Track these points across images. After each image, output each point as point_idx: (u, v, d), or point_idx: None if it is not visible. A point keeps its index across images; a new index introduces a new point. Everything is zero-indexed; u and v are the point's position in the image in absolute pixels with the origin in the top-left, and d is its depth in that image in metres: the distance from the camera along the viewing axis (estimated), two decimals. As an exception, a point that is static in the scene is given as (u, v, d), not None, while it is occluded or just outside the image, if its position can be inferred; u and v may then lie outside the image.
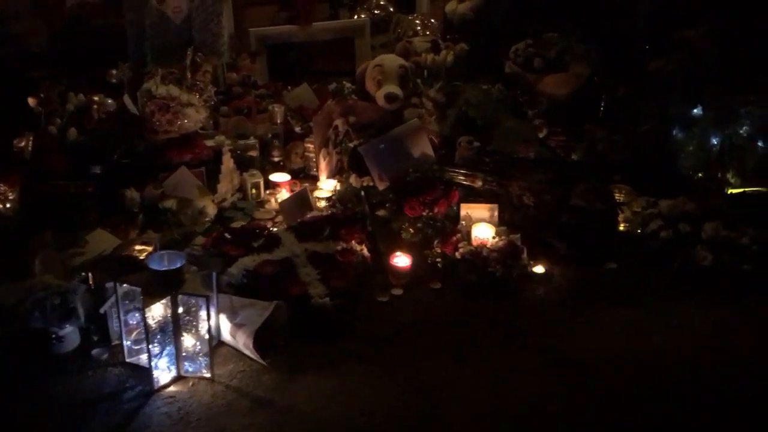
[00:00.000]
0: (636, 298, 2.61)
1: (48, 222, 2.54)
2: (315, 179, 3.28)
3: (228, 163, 3.11)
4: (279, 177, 3.18)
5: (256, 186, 3.17)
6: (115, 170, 2.96)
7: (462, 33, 3.77)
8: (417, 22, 3.95)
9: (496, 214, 2.81)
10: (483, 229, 2.70)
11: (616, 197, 3.09)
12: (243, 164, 3.24)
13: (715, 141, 3.43)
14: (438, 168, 2.85)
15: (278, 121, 3.39)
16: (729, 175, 3.40)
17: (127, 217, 2.85)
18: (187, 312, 2.08)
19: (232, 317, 2.22)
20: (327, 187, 3.15)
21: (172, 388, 2.09)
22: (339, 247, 2.58)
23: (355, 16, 4.01)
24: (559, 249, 2.81)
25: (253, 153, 3.25)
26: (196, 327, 2.11)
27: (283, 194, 3.11)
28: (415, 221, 2.72)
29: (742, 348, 2.33)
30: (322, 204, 3.05)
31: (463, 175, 2.87)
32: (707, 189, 3.07)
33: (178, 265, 2.02)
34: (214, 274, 2.18)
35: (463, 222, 2.77)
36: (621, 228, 3.03)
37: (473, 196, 2.87)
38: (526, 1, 3.80)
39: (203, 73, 3.15)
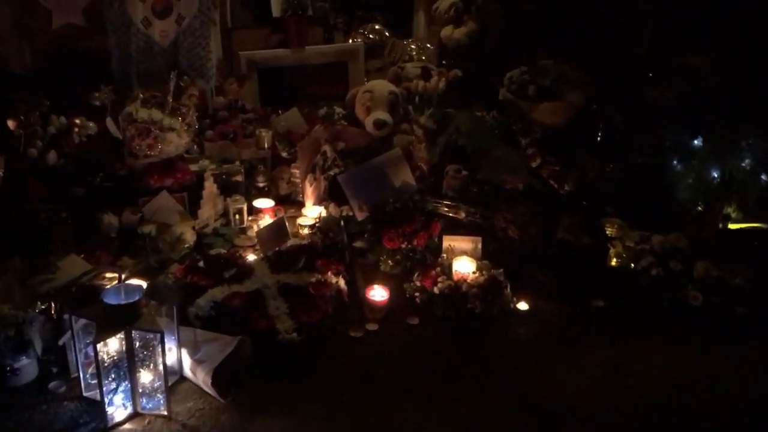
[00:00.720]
0: (621, 339, 2.51)
1: (17, 247, 2.49)
2: (301, 205, 3.22)
3: (210, 188, 3.06)
4: (263, 203, 3.11)
5: (240, 212, 3.10)
6: (93, 194, 2.92)
7: (457, 59, 3.71)
8: (412, 47, 3.90)
9: (479, 246, 2.72)
10: (464, 263, 2.61)
11: (607, 231, 3.00)
12: (228, 189, 3.19)
13: (715, 174, 3.34)
14: (420, 198, 2.77)
15: (265, 146, 3.34)
16: (730, 210, 3.30)
17: (102, 243, 2.80)
18: (144, 347, 2.01)
19: (193, 352, 2.15)
20: (311, 214, 3.08)
21: (127, 426, 2.02)
22: (313, 279, 2.50)
23: (350, 40, 3.96)
24: (545, 284, 2.72)
25: (238, 178, 3.19)
26: (155, 362, 2.04)
27: (266, 220, 3.05)
28: (393, 253, 2.64)
29: (730, 398, 2.22)
30: (305, 231, 2.98)
31: (446, 205, 2.78)
32: (701, 224, 2.96)
33: (134, 299, 1.96)
34: (174, 307, 2.11)
35: (445, 255, 2.68)
36: (613, 263, 2.94)
37: (457, 227, 2.79)
38: (522, 28, 3.74)
39: (189, 96, 3.11)
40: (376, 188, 2.72)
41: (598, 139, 3.52)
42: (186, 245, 2.88)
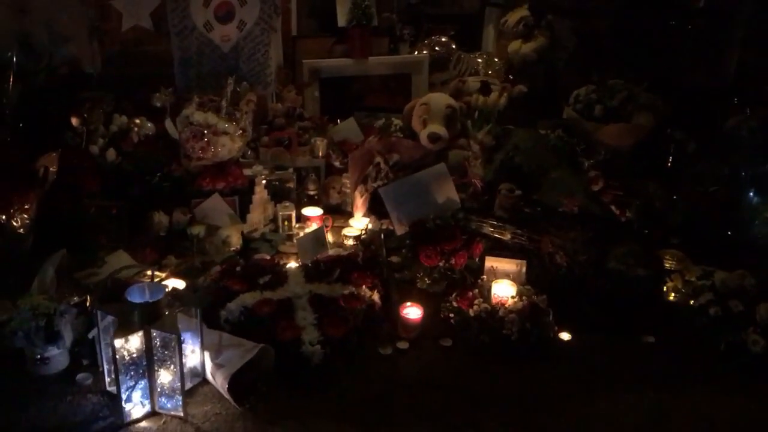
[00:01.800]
0: (669, 381, 2.32)
1: (65, 240, 2.57)
2: (350, 216, 3.19)
3: (261, 193, 3.08)
4: (311, 211, 3.11)
5: (288, 218, 3.11)
6: (148, 193, 3.00)
7: (523, 74, 3.60)
8: (479, 60, 3.81)
9: (523, 270, 2.60)
10: (503, 286, 2.50)
11: (666, 264, 2.81)
12: (279, 196, 3.20)
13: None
14: (463, 216, 2.68)
15: (320, 155, 3.33)
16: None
17: (151, 241, 2.87)
18: (165, 347, 2.02)
19: (215, 356, 2.15)
20: (358, 225, 3.05)
21: (143, 424, 2.03)
22: (346, 292, 2.46)
23: (416, 52, 3.92)
24: (592, 315, 2.57)
25: (290, 185, 3.20)
26: (174, 363, 2.04)
27: (312, 229, 3.04)
28: (431, 271, 2.56)
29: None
30: (350, 242, 2.96)
31: (490, 225, 2.68)
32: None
33: (156, 299, 1.97)
34: (198, 310, 2.12)
35: (484, 277, 2.58)
36: (670, 298, 2.75)
37: (502, 248, 2.68)
38: (594, 46, 3.59)
39: (246, 102, 3.15)
40: (417, 203, 2.65)
41: (668, 165, 3.33)
42: (232, 248, 2.92)
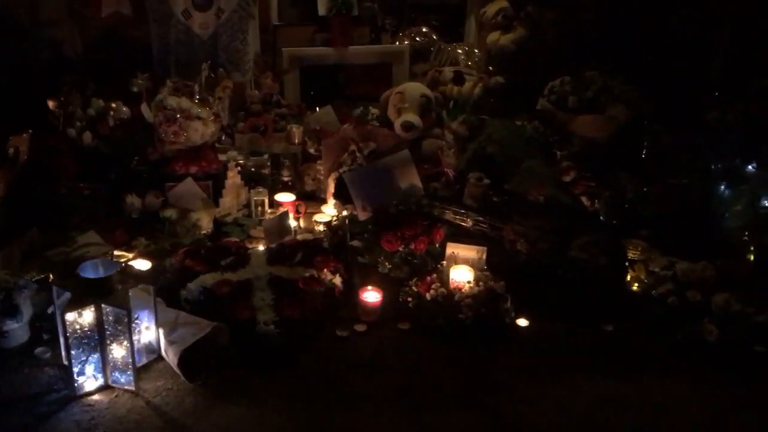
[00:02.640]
0: (623, 369, 2.33)
1: (36, 220, 2.63)
2: (324, 202, 3.22)
3: (233, 178, 3.12)
4: (284, 197, 3.14)
5: (261, 203, 3.14)
6: (125, 176, 3.05)
7: (502, 65, 3.61)
8: (459, 51, 3.82)
9: (484, 257, 2.62)
10: (461, 271, 2.52)
11: (631, 254, 2.82)
12: (255, 181, 3.24)
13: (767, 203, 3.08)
14: (427, 203, 2.71)
15: (296, 142, 3.37)
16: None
17: (123, 223, 2.92)
18: (118, 322, 2.06)
19: (169, 333, 2.19)
20: (330, 211, 3.08)
21: (95, 397, 2.08)
22: (306, 274, 2.50)
23: (397, 42, 3.94)
24: (552, 303, 2.59)
25: (265, 170, 3.24)
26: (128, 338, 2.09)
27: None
28: (392, 256, 2.59)
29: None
30: (321, 228, 2.99)
31: (453, 212, 2.70)
32: (734, 255, 2.73)
33: (107, 275, 2.02)
34: (153, 288, 2.16)
35: (444, 262, 2.61)
36: (634, 288, 2.76)
37: (464, 235, 2.70)
38: (574, 37, 3.59)
39: (223, 88, 3.19)
40: (381, 189, 2.68)
41: (643, 157, 3.34)
42: (203, 232, 2.96)
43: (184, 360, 2.11)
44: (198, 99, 2.99)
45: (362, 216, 2.70)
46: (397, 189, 2.71)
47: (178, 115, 2.93)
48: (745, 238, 3.00)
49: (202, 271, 2.49)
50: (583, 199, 3.15)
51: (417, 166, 3.12)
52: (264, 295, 2.38)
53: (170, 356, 2.15)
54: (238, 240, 2.81)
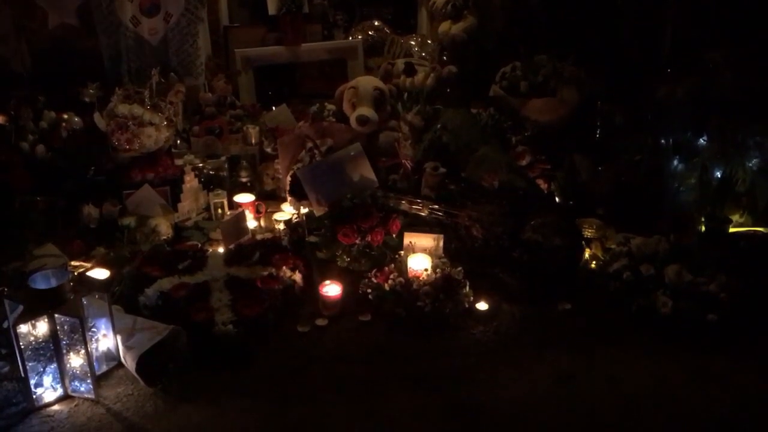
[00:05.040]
0: (580, 346, 2.37)
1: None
2: (284, 201, 3.23)
3: (191, 182, 3.12)
4: (243, 198, 3.15)
5: (221, 206, 3.15)
6: (81, 187, 3.04)
7: (455, 55, 3.64)
8: (412, 43, 3.85)
9: (441, 244, 2.65)
10: (418, 260, 2.54)
11: (587, 233, 2.86)
12: (213, 184, 3.24)
13: (718, 175, 3.14)
14: (382, 194, 2.73)
15: (253, 142, 3.37)
16: (738, 215, 3.09)
17: (81, 233, 2.91)
18: (73, 331, 2.06)
19: (126, 339, 2.19)
20: (290, 210, 3.09)
21: (55, 407, 2.08)
22: (265, 273, 2.51)
23: (350, 38, 3.95)
24: (510, 286, 2.62)
25: (223, 173, 3.24)
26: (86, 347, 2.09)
27: (246, 215, 3.08)
28: (350, 249, 2.61)
29: (688, 414, 2.05)
30: (281, 227, 3.00)
31: (408, 202, 2.73)
32: (683, 227, 2.78)
33: (58, 285, 2.02)
34: (107, 295, 2.16)
35: (402, 252, 2.63)
36: (592, 266, 2.80)
37: (420, 224, 2.73)
38: (523, 23, 3.63)
39: (175, 93, 3.18)
40: (335, 183, 2.69)
41: (596, 138, 3.38)
42: (163, 237, 2.96)
43: (142, 365, 2.11)
44: (149, 105, 2.98)
45: (318, 211, 2.71)
46: (351, 182, 2.73)
47: (130, 123, 2.92)
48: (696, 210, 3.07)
49: (160, 276, 2.50)
50: (540, 182, 3.20)
51: (375, 158, 3.15)
52: (221, 296, 2.39)
53: (129, 362, 2.15)
54: (195, 243, 2.81)
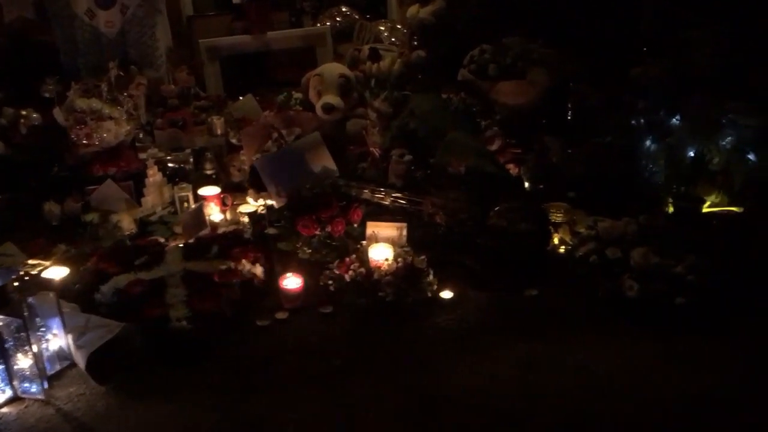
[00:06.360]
0: (546, 331, 2.32)
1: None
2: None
3: (154, 175, 3.07)
4: (208, 191, 3.09)
5: (186, 199, 3.09)
6: (44, 183, 2.99)
7: (424, 39, 3.57)
8: (381, 28, 3.78)
9: (404, 233, 2.60)
10: (379, 249, 2.49)
11: (555, 217, 2.81)
12: (179, 177, 3.19)
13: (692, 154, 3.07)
14: (344, 183, 2.67)
15: (218, 133, 3.31)
16: (714, 195, 3.03)
17: (43, 231, 2.86)
18: (18, 332, 2.01)
19: (77, 338, 2.15)
20: (255, 202, 3.04)
21: (4, 409, 2.04)
22: (223, 267, 2.46)
23: (318, 24, 3.88)
24: (476, 273, 2.57)
25: (188, 165, 3.19)
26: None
27: (212, 208, 3.03)
28: (310, 240, 2.56)
29: (657, 398, 1.99)
30: (246, 220, 2.94)
31: (371, 190, 2.67)
32: (652, 208, 2.72)
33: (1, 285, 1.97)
34: (55, 294, 2.12)
35: (364, 242, 2.58)
36: (561, 251, 2.75)
37: (383, 213, 2.68)
38: (494, 4, 3.54)
39: (136, 86, 3.12)
40: (294, 174, 2.64)
41: (569, 119, 3.32)
42: (126, 232, 2.91)
43: (92, 363, 2.07)
44: (108, 99, 2.92)
45: (278, 202, 2.66)
46: (311, 172, 2.67)
47: (88, 117, 2.87)
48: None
49: (117, 272, 2.45)
50: (511, 166, 3.14)
51: (344, 146, 3.10)
52: (177, 291, 2.34)
53: (80, 361, 2.11)
54: (155, 239, 2.76)
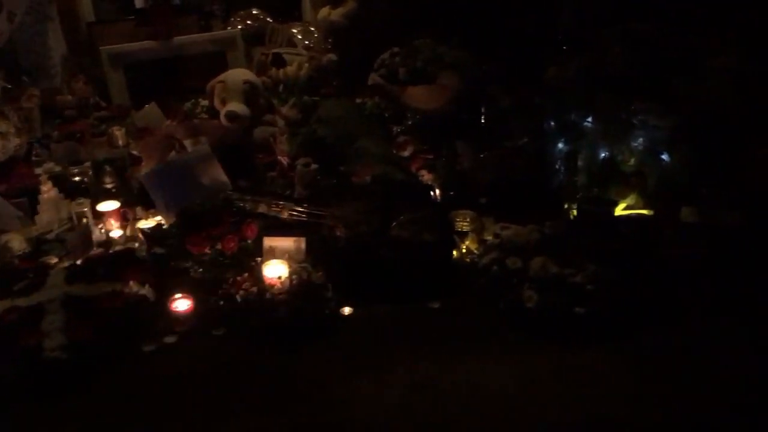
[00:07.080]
0: (443, 349, 2.22)
1: None
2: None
3: (49, 192, 2.92)
4: (106, 206, 2.95)
5: (84, 215, 2.95)
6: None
7: (336, 42, 3.47)
8: (294, 31, 3.66)
9: (303, 247, 2.50)
10: (274, 267, 2.39)
11: (461, 226, 2.74)
12: (78, 192, 3.05)
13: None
14: (238, 197, 2.56)
15: (120, 144, 3.17)
16: (630, 198, 3.00)
17: (-75, 253, 2.70)
18: None
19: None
20: (157, 217, 2.91)
21: None
22: (109, 290, 2.33)
23: (229, 28, 3.76)
24: (377, 287, 2.48)
25: (86, 180, 3.04)
26: None
27: (112, 224, 2.90)
28: (201, 258, 2.45)
29: (554, 412, 1.92)
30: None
31: (267, 203, 2.57)
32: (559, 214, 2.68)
33: None
34: None
35: (259, 259, 2.47)
36: (467, 260, 2.68)
37: (281, 227, 2.58)
38: (407, 6, 3.46)
39: (28, 97, 2.96)
40: (184, 188, 2.52)
41: (482, 123, 3.25)
42: (17, 253, 2.76)
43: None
44: (-5, 112, 2.77)
45: (167, 219, 2.54)
46: (201, 187, 2.56)
47: (-29, 133, 2.71)
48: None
49: (-8, 299, 2.31)
50: (424, 173, 3.07)
51: (251, 156, 2.99)
52: (55, 318, 2.21)
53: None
54: (42, 260, 2.62)
